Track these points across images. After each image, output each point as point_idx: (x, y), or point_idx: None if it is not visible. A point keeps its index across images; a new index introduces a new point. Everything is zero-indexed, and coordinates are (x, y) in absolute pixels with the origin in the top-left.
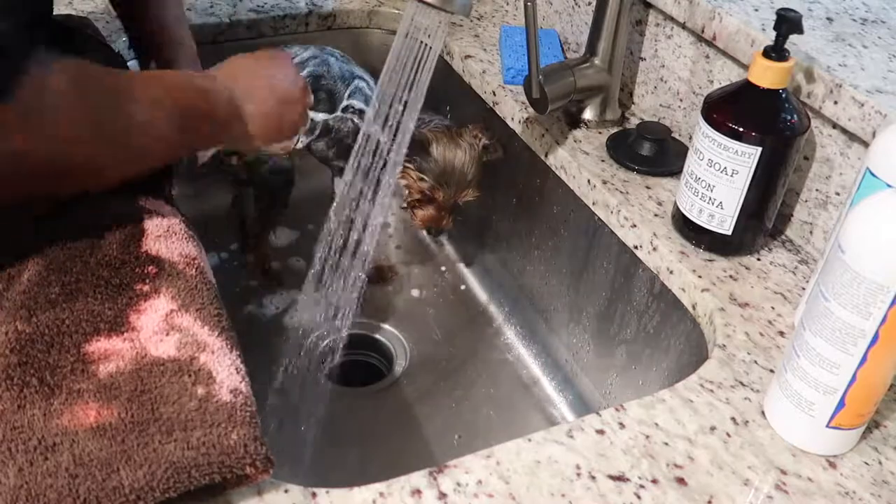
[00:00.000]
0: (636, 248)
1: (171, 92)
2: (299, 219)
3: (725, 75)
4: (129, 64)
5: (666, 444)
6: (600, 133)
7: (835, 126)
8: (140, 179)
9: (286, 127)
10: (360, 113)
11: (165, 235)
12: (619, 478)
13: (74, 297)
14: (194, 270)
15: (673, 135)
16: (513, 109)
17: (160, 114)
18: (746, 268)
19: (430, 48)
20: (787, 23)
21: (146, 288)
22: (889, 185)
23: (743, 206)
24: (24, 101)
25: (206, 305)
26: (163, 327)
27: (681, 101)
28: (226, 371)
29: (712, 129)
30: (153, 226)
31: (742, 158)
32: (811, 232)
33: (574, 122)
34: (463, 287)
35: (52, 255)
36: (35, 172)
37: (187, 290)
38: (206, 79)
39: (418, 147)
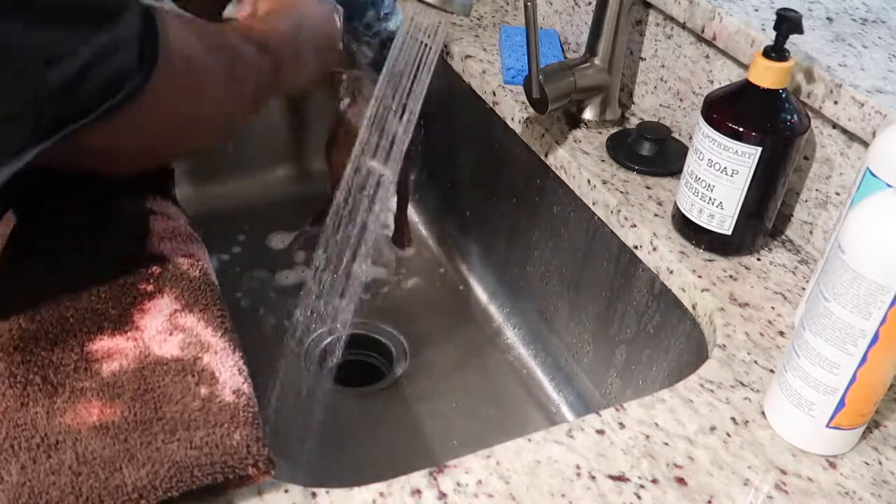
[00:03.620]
0: (636, 248)
1: (249, 36)
2: (299, 219)
3: (725, 75)
4: None
5: (666, 444)
6: (600, 133)
7: (835, 126)
8: (146, 179)
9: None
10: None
11: (170, 236)
12: (619, 478)
13: (78, 295)
14: (198, 272)
15: (673, 135)
16: (513, 109)
17: (255, 58)
18: (746, 268)
19: (430, 48)
20: (787, 23)
21: (150, 288)
22: (889, 185)
23: (743, 206)
24: (166, 69)
25: (210, 306)
26: (166, 327)
27: (681, 101)
28: (228, 372)
29: (712, 129)
30: (158, 226)
31: (742, 158)
32: (811, 232)
33: (574, 122)
34: (462, 287)
35: (57, 254)
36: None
37: (191, 290)
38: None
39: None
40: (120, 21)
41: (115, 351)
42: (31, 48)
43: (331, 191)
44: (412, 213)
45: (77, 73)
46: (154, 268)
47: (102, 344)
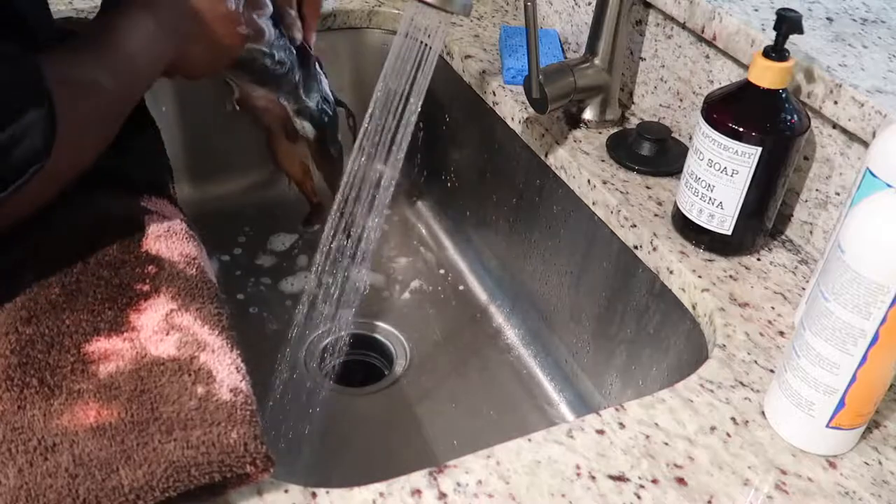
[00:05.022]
0: (636, 248)
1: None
2: (298, 221)
3: (725, 75)
4: None
5: (666, 444)
6: (600, 133)
7: (835, 126)
8: (142, 179)
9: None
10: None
11: (166, 235)
12: (619, 478)
13: (75, 297)
14: (194, 270)
15: (673, 135)
16: (513, 109)
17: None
18: (746, 268)
19: (430, 48)
20: (787, 23)
21: (146, 288)
22: (889, 185)
23: (743, 206)
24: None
25: (206, 304)
26: (163, 327)
27: (681, 101)
28: (226, 370)
29: (712, 129)
30: (154, 225)
31: (742, 158)
32: (811, 232)
33: (574, 122)
34: (462, 287)
35: (53, 256)
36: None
37: (187, 289)
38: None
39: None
40: (24, 116)
41: (111, 352)
42: None
43: (302, 194)
44: (412, 213)
45: None
46: (150, 267)
47: (99, 345)
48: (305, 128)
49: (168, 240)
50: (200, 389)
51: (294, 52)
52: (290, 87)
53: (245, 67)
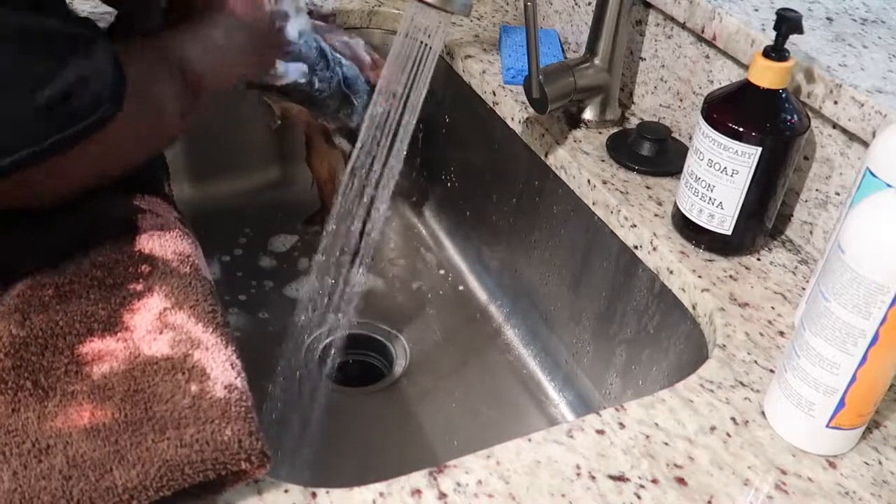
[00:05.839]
0: (636, 248)
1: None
2: (299, 221)
3: (725, 75)
4: None
5: (666, 444)
6: (600, 133)
7: (835, 126)
8: (136, 177)
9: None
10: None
11: (159, 234)
12: (619, 478)
13: (68, 298)
14: (188, 268)
15: (673, 135)
16: (513, 109)
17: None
18: (746, 268)
19: (430, 48)
20: (787, 23)
21: (139, 287)
22: (889, 185)
23: (743, 206)
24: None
25: (200, 302)
26: (156, 326)
27: (681, 101)
28: (220, 367)
29: (712, 129)
30: (147, 224)
31: (742, 158)
32: (811, 232)
33: (574, 122)
34: (462, 287)
35: (46, 258)
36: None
37: (181, 287)
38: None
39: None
40: (94, 51)
41: (105, 353)
42: (16, 73)
43: (320, 195)
44: (412, 213)
45: (59, 97)
46: (143, 267)
47: (93, 346)
48: (342, 143)
49: (161, 238)
50: (194, 387)
51: (336, 78)
52: (329, 111)
53: (286, 93)
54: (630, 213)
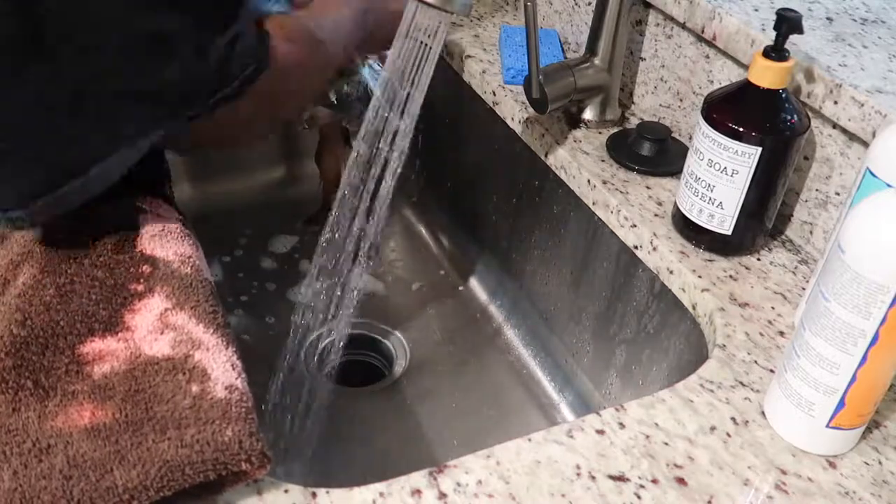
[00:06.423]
0: (636, 248)
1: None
2: (299, 222)
3: (725, 75)
4: None
5: (666, 444)
6: (600, 133)
7: (835, 126)
8: (137, 178)
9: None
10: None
11: (160, 234)
12: (619, 478)
13: (69, 298)
14: (189, 268)
15: (673, 135)
16: (513, 109)
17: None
18: (746, 268)
19: (430, 48)
20: (787, 23)
21: (140, 287)
22: (889, 185)
23: (743, 206)
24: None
25: (202, 303)
26: (157, 326)
27: (681, 101)
28: (221, 368)
29: (712, 129)
30: (149, 225)
31: (742, 158)
32: (811, 232)
33: (574, 122)
34: (462, 287)
35: (47, 258)
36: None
37: (182, 288)
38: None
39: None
40: (241, 12)
41: (106, 353)
42: (182, 35)
43: (323, 195)
44: (412, 213)
45: (221, 56)
46: (144, 267)
47: (93, 346)
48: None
49: (163, 239)
50: (195, 388)
51: (364, 81)
52: (355, 113)
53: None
54: (630, 213)
